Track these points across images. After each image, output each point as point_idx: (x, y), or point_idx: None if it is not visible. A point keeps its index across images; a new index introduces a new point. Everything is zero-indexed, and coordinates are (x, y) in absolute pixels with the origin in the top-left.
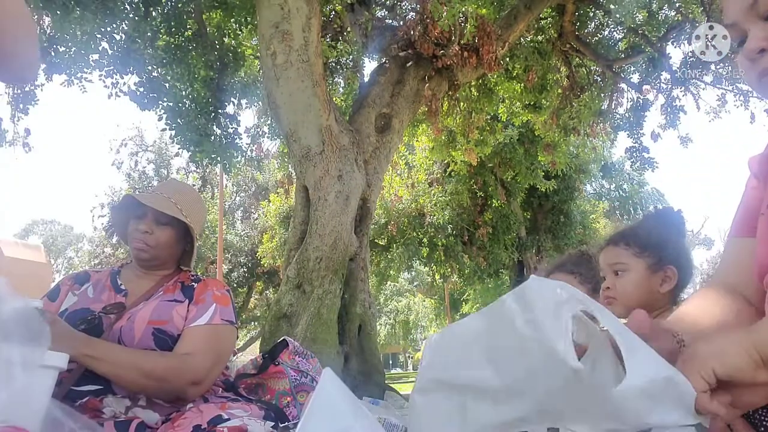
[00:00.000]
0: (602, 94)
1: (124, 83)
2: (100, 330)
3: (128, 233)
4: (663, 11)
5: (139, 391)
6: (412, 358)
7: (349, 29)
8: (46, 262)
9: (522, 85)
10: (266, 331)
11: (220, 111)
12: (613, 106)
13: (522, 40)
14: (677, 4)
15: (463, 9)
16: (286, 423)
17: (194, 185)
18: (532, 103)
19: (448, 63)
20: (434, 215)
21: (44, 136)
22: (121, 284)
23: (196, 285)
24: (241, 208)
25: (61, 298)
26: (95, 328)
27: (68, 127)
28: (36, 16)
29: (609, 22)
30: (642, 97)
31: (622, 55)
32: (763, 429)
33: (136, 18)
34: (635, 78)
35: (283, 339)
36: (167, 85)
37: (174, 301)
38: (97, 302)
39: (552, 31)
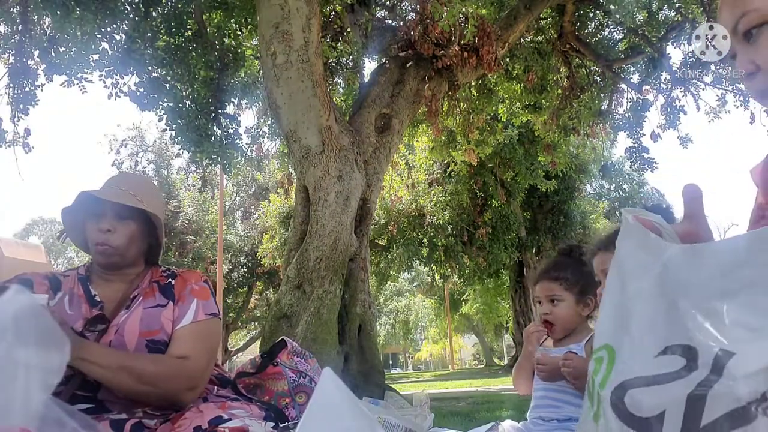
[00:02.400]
0: (602, 95)
1: (125, 83)
2: None
3: (86, 236)
4: (663, 11)
5: (132, 397)
6: (412, 358)
7: (349, 29)
8: (46, 262)
9: (522, 85)
10: (266, 331)
11: (220, 111)
12: (612, 107)
13: (522, 40)
14: (677, 5)
15: (463, 9)
16: (286, 423)
17: (194, 185)
18: (532, 103)
19: (448, 63)
20: (434, 215)
21: (44, 136)
22: (95, 295)
23: (173, 282)
24: (241, 208)
25: None
26: None
27: (68, 127)
28: (36, 16)
29: (609, 22)
30: (642, 98)
31: (622, 56)
32: None
33: (136, 18)
34: (635, 78)
35: (282, 339)
36: (167, 85)
37: (158, 306)
38: (78, 318)
39: (552, 32)
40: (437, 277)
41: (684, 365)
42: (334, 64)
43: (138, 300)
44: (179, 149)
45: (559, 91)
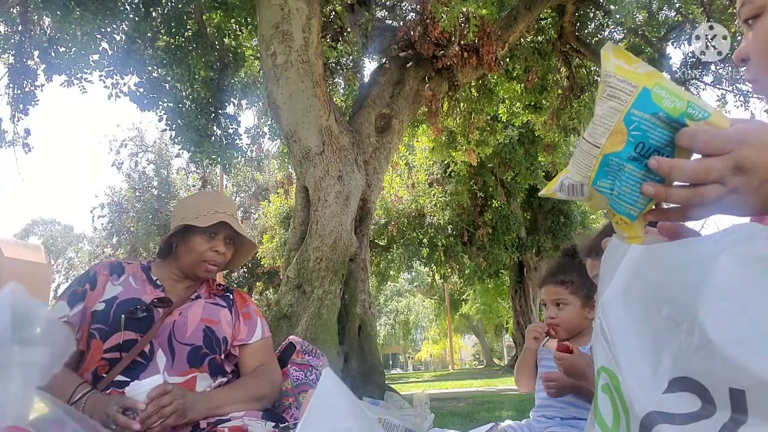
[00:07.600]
0: None
1: (125, 84)
2: (151, 320)
3: (192, 248)
4: (663, 12)
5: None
6: (412, 358)
7: (349, 30)
8: (46, 262)
9: (522, 85)
10: None
11: (220, 111)
12: None
13: (522, 40)
14: (677, 5)
15: (464, 9)
16: (286, 423)
17: (194, 185)
18: (532, 103)
19: (448, 63)
20: (434, 215)
21: (44, 136)
22: (156, 279)
23: (231, 295)
24: (241, 209)
25: (99, 288)
26: (147, 318)
27: (68, 127)
28: (36, 16)
29: (609, 22)
30: None
31: None
32: None
33: (136, 18)
34: None
35: (290, 342)
36: (167, 85)
37: (217, 305)
38: (144, 294)
39: (552, 32)
40: (437, 277)
41: (701, 406)
42: (334, 64)
43: (201, 298)
44: (179, 149)
45: (560, 91)
